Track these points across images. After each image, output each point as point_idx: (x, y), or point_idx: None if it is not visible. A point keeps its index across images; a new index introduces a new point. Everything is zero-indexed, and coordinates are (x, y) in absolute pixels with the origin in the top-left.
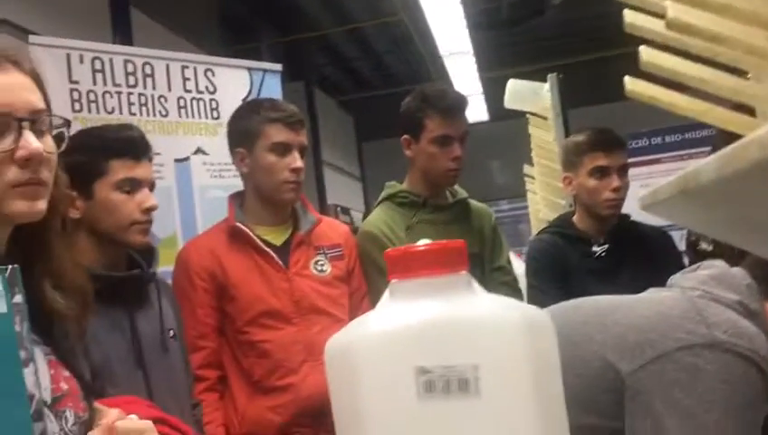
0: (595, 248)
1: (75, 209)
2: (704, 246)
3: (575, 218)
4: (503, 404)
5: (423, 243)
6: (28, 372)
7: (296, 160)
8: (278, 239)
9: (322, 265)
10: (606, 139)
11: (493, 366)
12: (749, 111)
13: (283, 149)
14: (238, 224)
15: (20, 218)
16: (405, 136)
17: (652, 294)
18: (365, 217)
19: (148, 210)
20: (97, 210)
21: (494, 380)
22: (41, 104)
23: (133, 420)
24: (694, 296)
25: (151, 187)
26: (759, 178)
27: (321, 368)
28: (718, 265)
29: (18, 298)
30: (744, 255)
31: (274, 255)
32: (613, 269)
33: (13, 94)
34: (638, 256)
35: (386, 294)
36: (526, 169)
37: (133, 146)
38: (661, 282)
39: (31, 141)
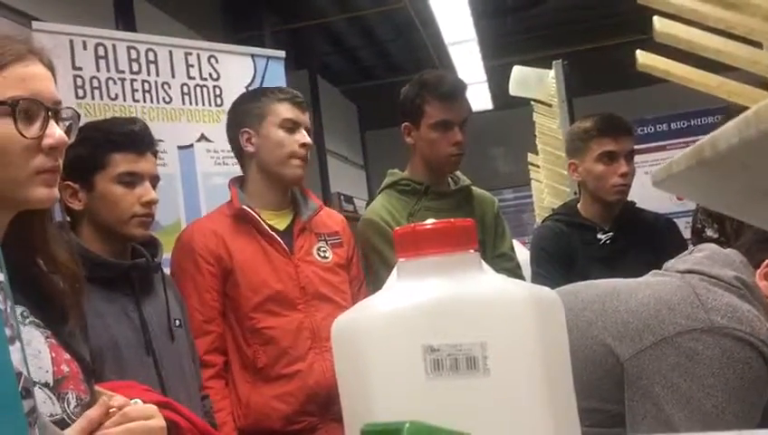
0: (600, 236)
1: (78, 201)
2: (709, 233)
3: (580, 206)
4: (511, 382)
5: (431, 221)
6: (14, 350)
7: (305, 137)
8: (281, 224)
9: (325, 251)
10: (614, 124)
11: (501, 344)
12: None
13: (292, 125)
14: (244, 207)
15: (39, 204)
16: (405, 123)
17: (651, 278)
18: (368, 205)
19: (148, 204)
20: (98, 202)
21: (502, 358)
22: (59, 95)
23: (139, 405)
24: (693, 281)
25: (154, 181)
26: None
27: (327, 355)
28: (711, 247)
29: (0, 277)
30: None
31: (281, 240)
32: (618, 256)
33: (41, 84)
34: (642, 244)
35: (393, 273)
36: (530, 157)
37: (135, 140)
38: None
39: (56, 131)
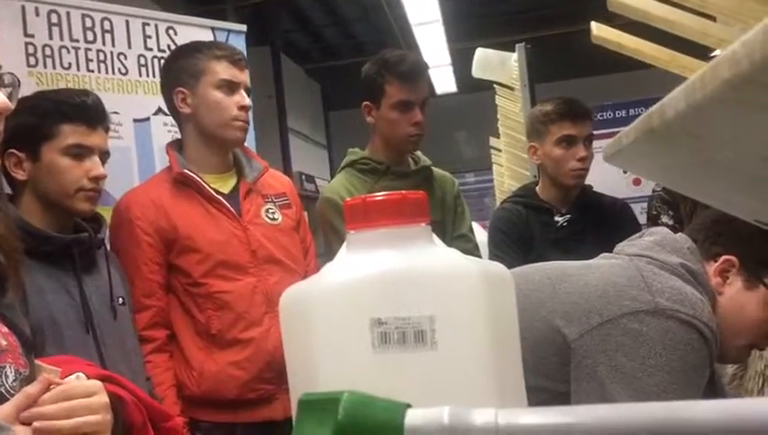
0: (557, 218)
1: (21, 171)
2: (665, 219)
3: (538, 189)
4: (459, 356)
5: (382, 193)
6: None
7: (244, 99)
8: (225, 187)
9: (273, 213)
10: (573, 108)
11: (449, 318)
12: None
13: (229, 86)
14: (185, 171)
15: None
16: (366, 102)
17: (600, 261)
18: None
19: (96, 179)
20: (43, 174)
21: (450, 332)
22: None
23: (81, 382)
24: (640, 264)
25: (104, 156)
26: (731, 100)
27: None
28: (661, 231)
29: None
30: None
31: (226, 202)
32: (575, 239)
33: None
34: (599, 227)
35: (343, 245)
36: (492, 141)
37: (87, 112)
38: None
39: None
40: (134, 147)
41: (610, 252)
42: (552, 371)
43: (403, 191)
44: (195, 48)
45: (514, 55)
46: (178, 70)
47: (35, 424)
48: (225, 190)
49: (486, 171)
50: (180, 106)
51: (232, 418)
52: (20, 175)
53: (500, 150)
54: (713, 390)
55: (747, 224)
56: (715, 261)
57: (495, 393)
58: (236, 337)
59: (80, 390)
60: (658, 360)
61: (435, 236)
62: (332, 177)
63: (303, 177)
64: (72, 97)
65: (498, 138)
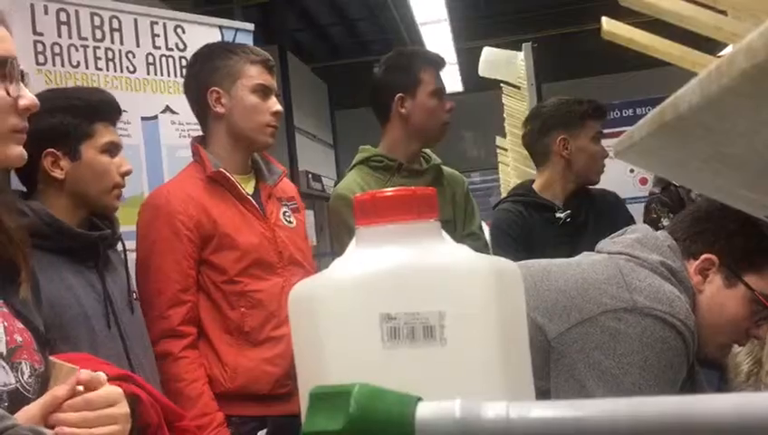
0: (559, 215)
1: (60, 169)
2: (665, 223)
3: (536, 186)
4: (468, 352)
5: (392, 189)
6: None
7: (276, 104)
8: (248, 188)
9: (289, 216)
10: (602, 107)
11: (459, 314)
12: None
13: (264, 91)
14: (221, 170)
15: (14, 162)
16: (399, 94)
17: (582, 258)
18: (336, 185)
19: (125, 174)
20: (83, 172)
21: (460, 327)
22: None
23: (103, 391)
24: (620, 261)
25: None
26: (747, 91)
27: None
28: (642, 229)
29: None
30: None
31: (256, 204)
32: (577, 234)
33: (11, 46)
34: (597, 220)
35: (352, 241)
36: (498, 140)
37: (112, 109)
38: None
39: (29, 93)
40: (142, 145)
41: None
42: (536, 368)
43: (412, 187)
44: (228, 49)
45: (521, 54)
46: (213, 69)
47: (57, 430)
48: (249, 192)
49: (491, 171)
50: (214, 105)
51: (263, 411)
52: (58, 174)
53: (506, 150)
54: (692, 388)
55: (727, 222)
56: (696, 259)
57: (504, 389)
58: (269, 335)
59: (102, 399)
60: (635, 357)
61: (443, 232)
62: (339, 176)
63: (310, 175)
64: (97, 95)
65: (504, 137)
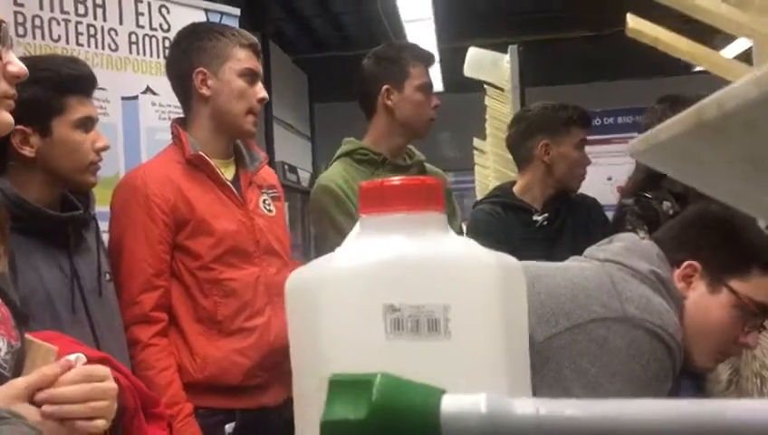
0: (536, 218)
1: (29, 147)
2: (641, 235)
3: (515, 188)
4: (473, 347)
5: (399, 178)
6: None
7: (263, 91)
8: (228, 174)
9: (269, 205)
10: (587, 115)
11: (464, 308)
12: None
13: (252, 76)
14: (201, 153)
15: (1, 129)
16: (386, 86)
17: (571, 263)
18: (312, 178)
19: (101, 150)
20: (55, 149)
21: (464, 321)
22: None
23: (95, 366)
24: (611, 269)
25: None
26: None
27: (280, 311)
28: (630, 237)
29: None
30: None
31: (235, 190)
32: (554, 237)
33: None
34: (574, 224)
35: (355, 229)
36: (476, 142)
37: (86, 82)
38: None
39: (17, 60)
40: (120, 124)
41: (586, 248)
42: None
43: (420, 177)
44: (217, 30)
45: (507, 57)
46: (200, 49)
47: (46, 408)
48: (229, 177)
49: (466, 172)
50: (199, 87)
51: (232, 404)
52: (27, 151)
53: (483, 152)
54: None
55: (709, 229)
56: (679, 267)
57: (506, 385)
58: (241, 325)
59: (93, 374)
60: (621, 368)
61: (448, 225)
62: (315, 168)
63: (286, 167)
64: (69, 66)
65: (483, 139)
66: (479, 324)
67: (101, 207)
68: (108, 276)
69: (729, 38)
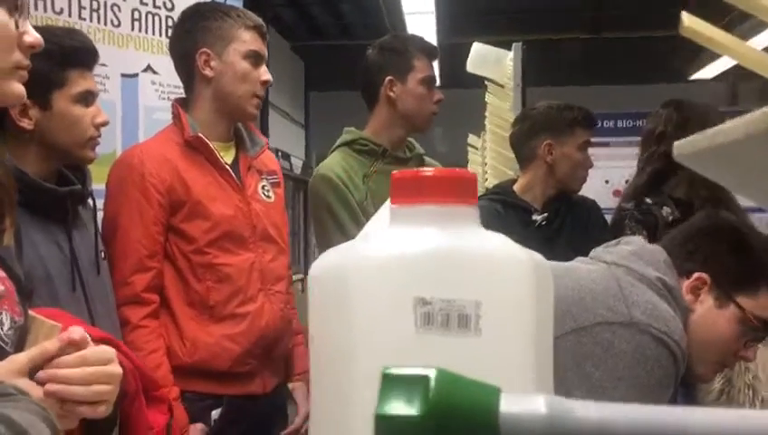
0: (536, 217)
1: (28, 119)
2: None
3: (516, 187)
4: (503, 345)
5: (433, 168)
6: None
7: (266, 73)
8: (228, 157)
9: (268, 190)
10: (592, 116)
11: (496, 305)
12: None
13: (256, 58)
14: (200, 135)
15: (15, 99)
16: (389, 77)
17: (578, 265)
18: (304, 165)
19: (100, 125)
20: (54, 123)
21: (495, 318)
22: None
23: (98, 348)
24: (618, 273)
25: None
26: None
27: (274, 298)
28: (637, 241)
29: None
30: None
31: (234, 174)
32: (554, 237)
33: None
34: (573, 226)
35: (385, 218)
36: (471, 138)
37: (88, 55)
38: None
39: (33, 30)
40: (119, 102)
41: (584, 250)
42: None
43: (455, 169)
44: (222, 11)
45: (510, 54)
46: (205, 29)
47: (49, 386)
48: (228, 161)
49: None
50: (202, 67)
51: (220, 389)
52: (26, 124)
53: (477, 148)
54: None
55: (720, 242)
56: (688, 278)
57: (533, 384)
58: (233, 311)
59: (97, 357)
60: (626, 373)
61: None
62: (307, 156)
63: (280, 153)
64: (70, 38)
65: (477, 135)
66: (510, 322)
67: (97, 185)
68: (103, 254)
69: (758, 27)
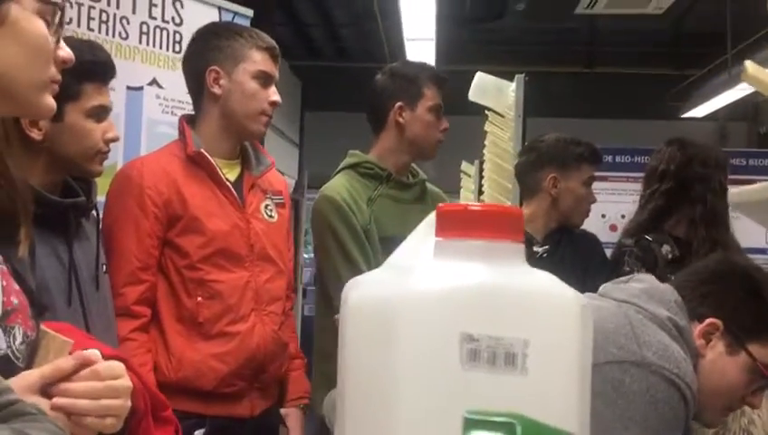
0: (537, 249)
1: (38, 130)
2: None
3: None
4: (548, 385)
5: (480, 203)
6: None
7: (275, 94)
8: (231, 175)
9: (271, 210)
10: (599, 152)
11: (543, 344)
12: None
13: (266, 79)
14: (202, 151)
15: (44, 114)
16: (399, 103)
17: (589, 301)
18: (297, 184)
19: (110, 141)
20: (65, 135)
21: (542, 358)
22: None
23: (109, 363)
24: (629, 311)
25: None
26: None
27: (266, 319)
28: (648, 279)
29: None
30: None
31: (235, 192)
32: (553, 269)
33: None
34: (573, 259)
35: (428, 252)
36: (464, 165)
37: (105, 69)
38: (592, 285)
39: (66, 46)
40: (123, 115)
41: (584, 284)
42: None
43: (503, 205)
44: (235, 30)
45: (513, 85)
46: (216, 48)
47: (57, 400)
48: (232, 178)
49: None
50: (211, 85)
51: (203, 409)
52: (35, 135)
53: (470, 175)
54: None
55: (734, 287)
56: (700, 322)
57: (577, 423)
58: (222, 329)
59: (109, 371)
60: (636, 413)
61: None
62: (300, 175)
63: None
64: (90, 52)
65: (471, 163)
66: (557, 361)
67: (98, 197)
68: (105, 268)
69: None
